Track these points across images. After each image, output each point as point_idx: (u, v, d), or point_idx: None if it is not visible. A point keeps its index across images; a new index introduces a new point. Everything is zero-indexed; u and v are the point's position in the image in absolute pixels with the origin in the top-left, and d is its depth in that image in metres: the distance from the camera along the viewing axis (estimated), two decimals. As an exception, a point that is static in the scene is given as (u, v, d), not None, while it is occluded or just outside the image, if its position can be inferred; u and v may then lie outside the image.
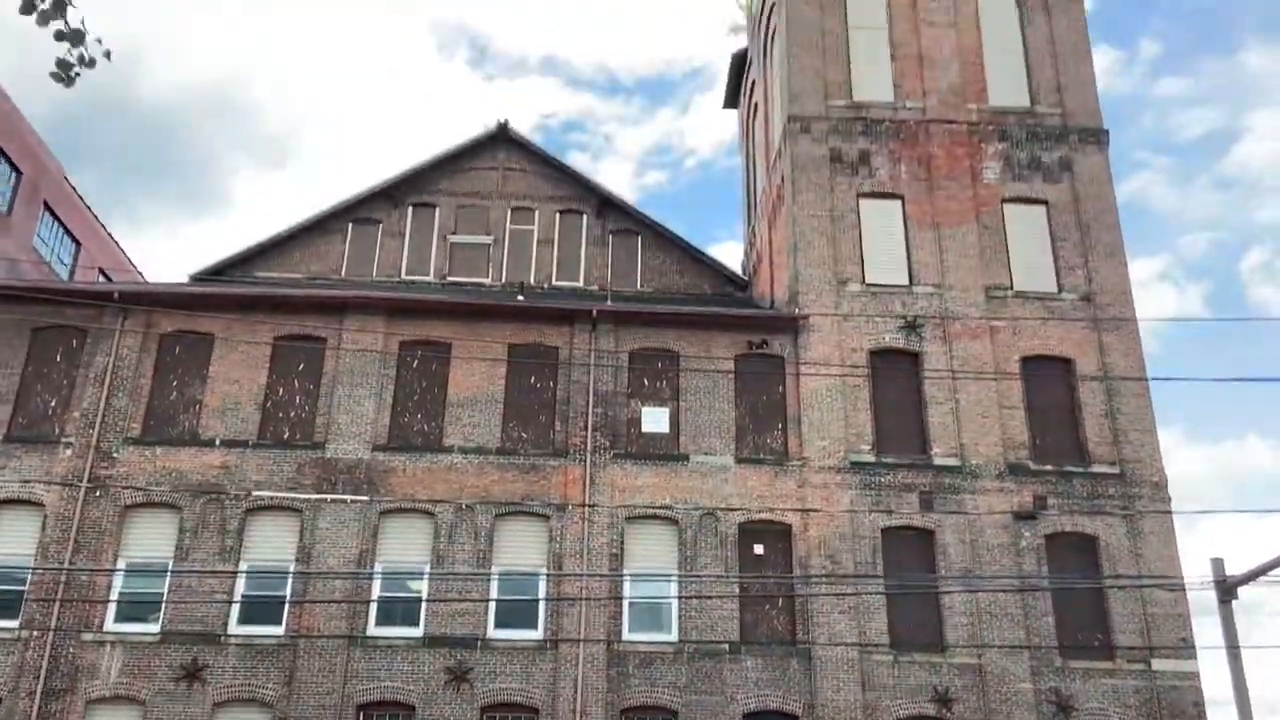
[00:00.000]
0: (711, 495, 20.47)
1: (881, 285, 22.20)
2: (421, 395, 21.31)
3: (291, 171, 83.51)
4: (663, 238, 27.80)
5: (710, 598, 19.64)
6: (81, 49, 5.29)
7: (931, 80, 23.82)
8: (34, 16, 5.03)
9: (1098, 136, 23.38)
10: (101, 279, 30.76)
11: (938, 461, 20.67)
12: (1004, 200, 22.76)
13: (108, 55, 5.31)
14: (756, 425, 21.21)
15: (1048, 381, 21.20)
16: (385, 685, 18.81)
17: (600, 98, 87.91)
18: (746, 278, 28.20)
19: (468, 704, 18.74)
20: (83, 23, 5.20)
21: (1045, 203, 22.83)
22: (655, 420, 21.31)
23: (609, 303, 22.82)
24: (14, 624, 18.77)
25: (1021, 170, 23.02)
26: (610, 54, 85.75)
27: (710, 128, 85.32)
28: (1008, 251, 22.36)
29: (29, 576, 19.16)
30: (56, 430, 20.22)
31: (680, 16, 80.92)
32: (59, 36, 5.22)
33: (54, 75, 5.27)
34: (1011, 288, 22.06)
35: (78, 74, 5.28)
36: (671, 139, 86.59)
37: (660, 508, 20.32)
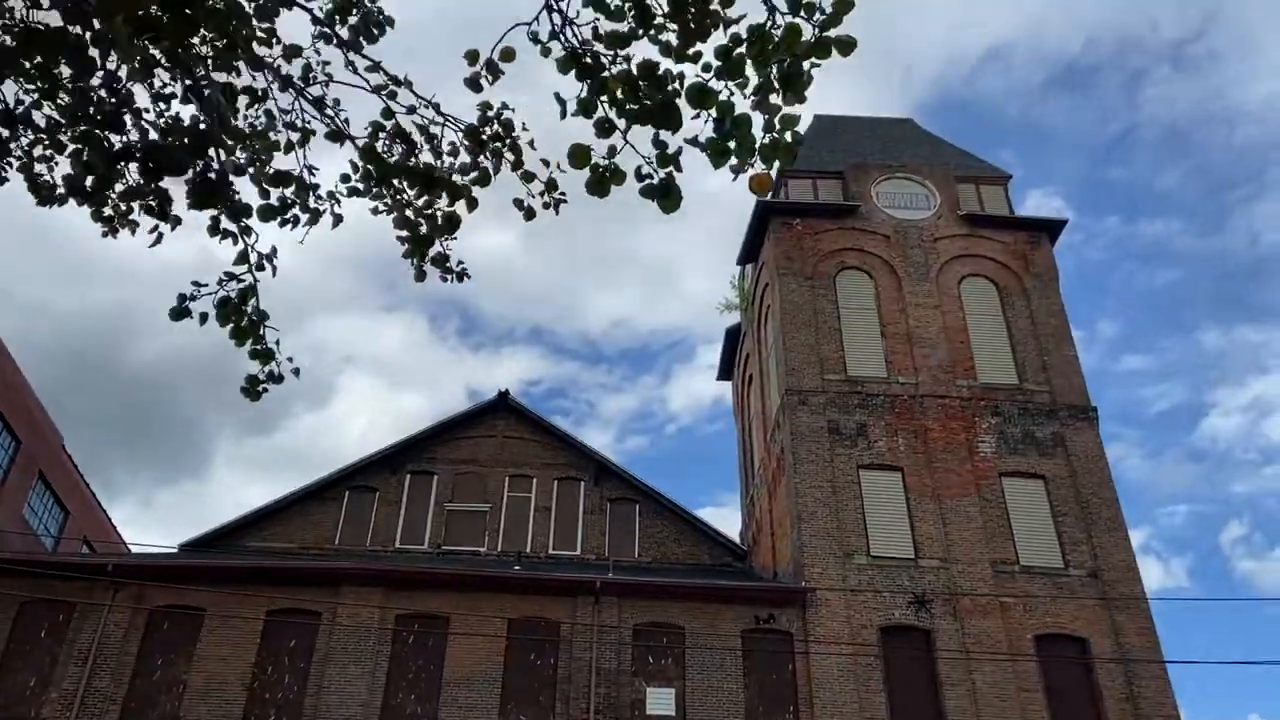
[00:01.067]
0: (721, 787, 19.24)
1: (888, 558, 22.07)
2: (416, 673, 20.45)
3: (277, 439, 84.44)
4: (660, 506, 27.84)
5: None
6: (272, 365, 5.62)
7: (922, 357, 24.92)
8: (233, 337, 5.37)
9: (1087, 413, 24.18)
10: (86, 549, 30.23)
11: (958, 749, 19.68)
12: (1001, 474, 23.14)
13: (296, 373, 5.63)
14: (766, 707, 20.31)
15: (1064, 662, 20.61)
16: None
17: (584, 366, 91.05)
18: (745, 548, 28.02)
19: None
20: (276, 344, 5.55)
21: (1043, 477, 23.21)
22: (661, 702, 20.40)
23: (611, 574, 22.48)
24: None
25: (1016, 444, 23.60)
26: (592, 325, 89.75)
27: (689, 396, 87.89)
28: (1010, 525, 22.46)
29: None
30: (32, 713, 19.13)
31: (661, 293, 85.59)
32: (253, 355, 5.56)
33: (243, 390, 5.58)
34: (1018, 562, 21.96)
35: (265, 389, 5.59)
36: (653, 405, 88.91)
37: (667, 801, 19.03)
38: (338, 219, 5.77)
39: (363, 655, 20.32)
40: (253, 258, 5.37)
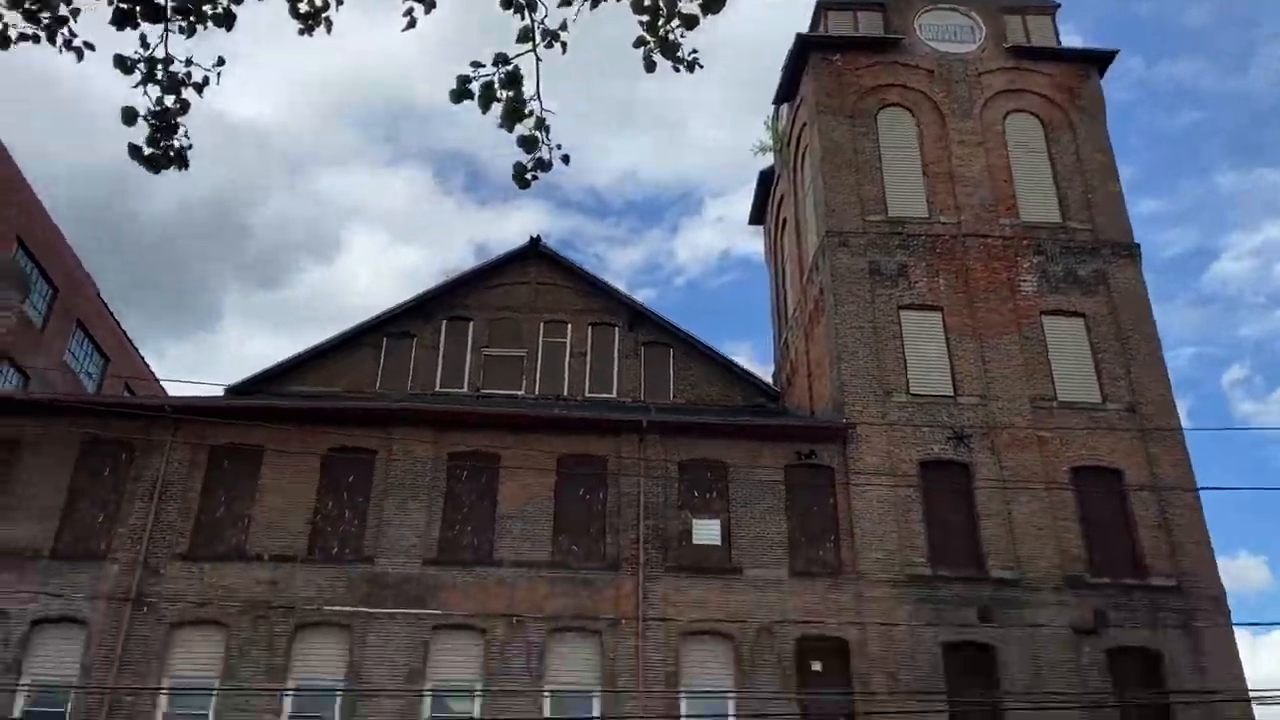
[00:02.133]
0: (767, 610, 20.19)
1: (927, 396, 22.42)
2: (471, 508, 21.18)
3: (284, 294, 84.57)
4: (695, 350, 28.06)
5: (770, 716, 19.15)
6: (540, 152, 5.51)
7: (964, 196, 24.58)
8: (501, 119, 5.32)
9: (1130, 251, 24.03)
10: (127, 394, 30.79)
11: (994, 575, 20.52)
12: (1043, 313, 23.21)
13: (565, 160, 5.57)
14: (808, 538, 21.09)
15: (1100, 493, 21.23)
16: (437, 812, 18.14)
17: (590, 219, 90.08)
18: (778, 389, 28.42)
19: (523, 832, 18.05)
20: (545, 130, 5.48)
21: (1083, 315, 23.29)
22: (707, 532, 21.17)
23: (655, 414, 22.93)
24: (52, 749, 18.16)
25: (1058, 283, 23.56)
26: (600, 178, 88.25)
27: (697, 249, 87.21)
28: (1050, 363, 22.69)
29: (70, 698, 18.64)
30: (103, 546, 19.97)
31: (670, 145, 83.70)
32: (521, 143, 5.47)
33: (514, 178, 5.59)
34: (1056, 398, 22.31)
35: (534, 178, 5.55)
36: (660, 258, 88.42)
37: (715, 623, 20.02)
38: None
39: (418, 491, 20.99)
40: (537, 36, 5.24)
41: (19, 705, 18.55)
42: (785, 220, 29.77)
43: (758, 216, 33.68)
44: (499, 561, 20.49)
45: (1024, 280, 23.54)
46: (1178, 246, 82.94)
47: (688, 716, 19.31)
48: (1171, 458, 21.55)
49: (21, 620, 19.01)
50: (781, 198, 30.40)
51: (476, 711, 19.22)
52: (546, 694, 19.28)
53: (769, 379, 29.15)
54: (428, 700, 19.26)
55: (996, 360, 22.68)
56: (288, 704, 18.96)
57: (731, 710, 19.42)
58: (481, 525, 21.01)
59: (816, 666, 19.79)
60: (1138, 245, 24.16)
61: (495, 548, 20.70)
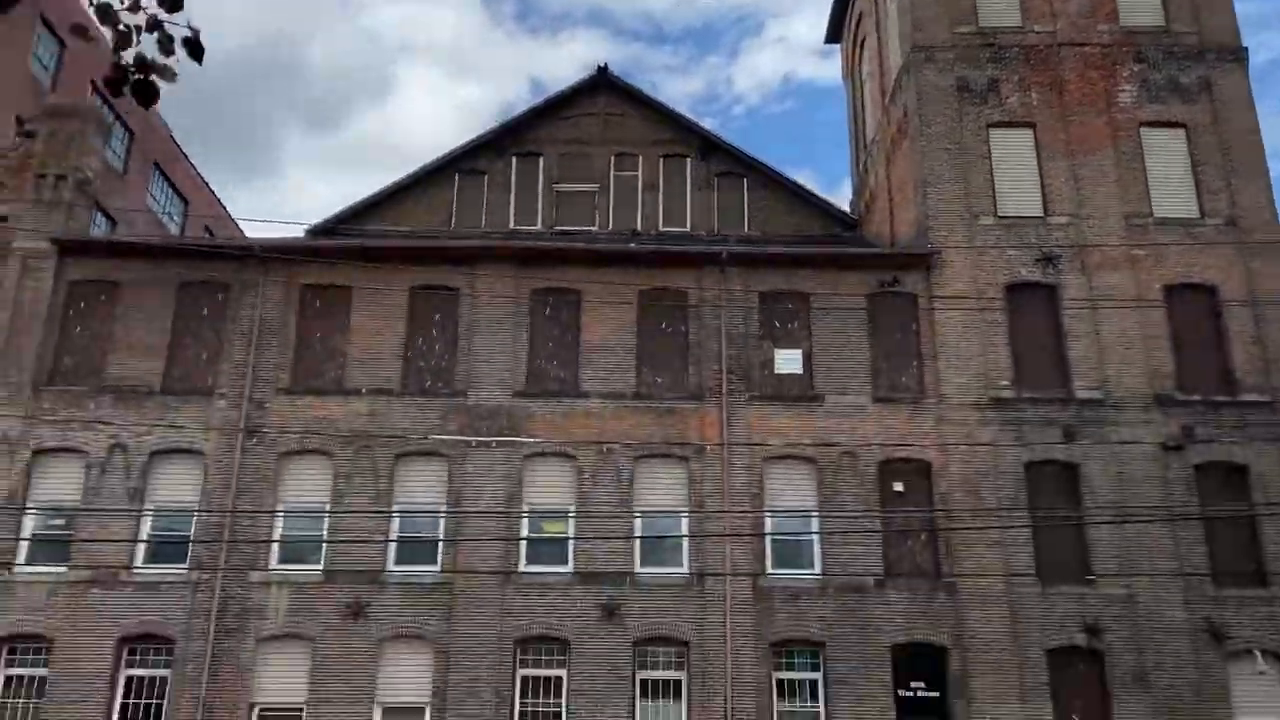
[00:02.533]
0: (849, 435, 20.54)
1: (1015, 217, 21.84)
2: (556, 342, 21.58)
3: (343, 136, 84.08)
4: (769, 180, 27.49)
5: (852, 533, 19.81)
6: None
7: (1060, 2, 23.10)
8: None
9: (1236, 54, 22.56)
10: (207, 235, 31.44)
11: (1080, 395, 20.47)
12: (1141, 124, 22.14)
13: None
14: (891, 364, 21.15)
15: (1192, 310, 20.78)
16: (540, 620, 19.39)
17: (646, 47, 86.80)
18: (856, 217, 27.89)
19: (620, 638, 19.25)
20: None
21: (1184, 125, 22.16)
22: (788, 362, 21.36)
23: (735, 245, 22.76)
24: (183, 568, 19.64)
25: (1158, 92, 22.34)
26: (654, 2, 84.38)
27: (758, 75, 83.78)
28: (1146, 177, 21.81)
29: (193, 522, 20.01)
30: (210, 382, 20.90)
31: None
32: None
33: None
34: (1151, 214, 21.56)
35: None
36: (719, 87, 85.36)
37: (798, 448, 20.47)
38: None
39: (503, 326, 21.39)
40: None
41: (145, 529, 19.99)
42: (864, 38, 28.42)
43: (833, 35, 32.17)
44: (586, 393, 21.01)
45: (1122, 91, 22.35)
46: (1274, 50, 77.44)
47: (772, 535, 20.06)
48: (1271, 271, 20.87)
49: (141, 452, 20.22)
50: (860, 15, 28.91)
51: (570, 532, 20.21)
52: (636, 515, 20.12)
53: (844, 207, 28.59)
54: (524, 522, 20.26)
55: (1089, 177, 21.86)
56: (394, 525, 20.13)
57: (814, 528, 20.10)
58: (567, 358, 21.45)
59: (898, 487, 20.25)
60: (1244, 49, 22.64)
61: (581, 380, 21.20)
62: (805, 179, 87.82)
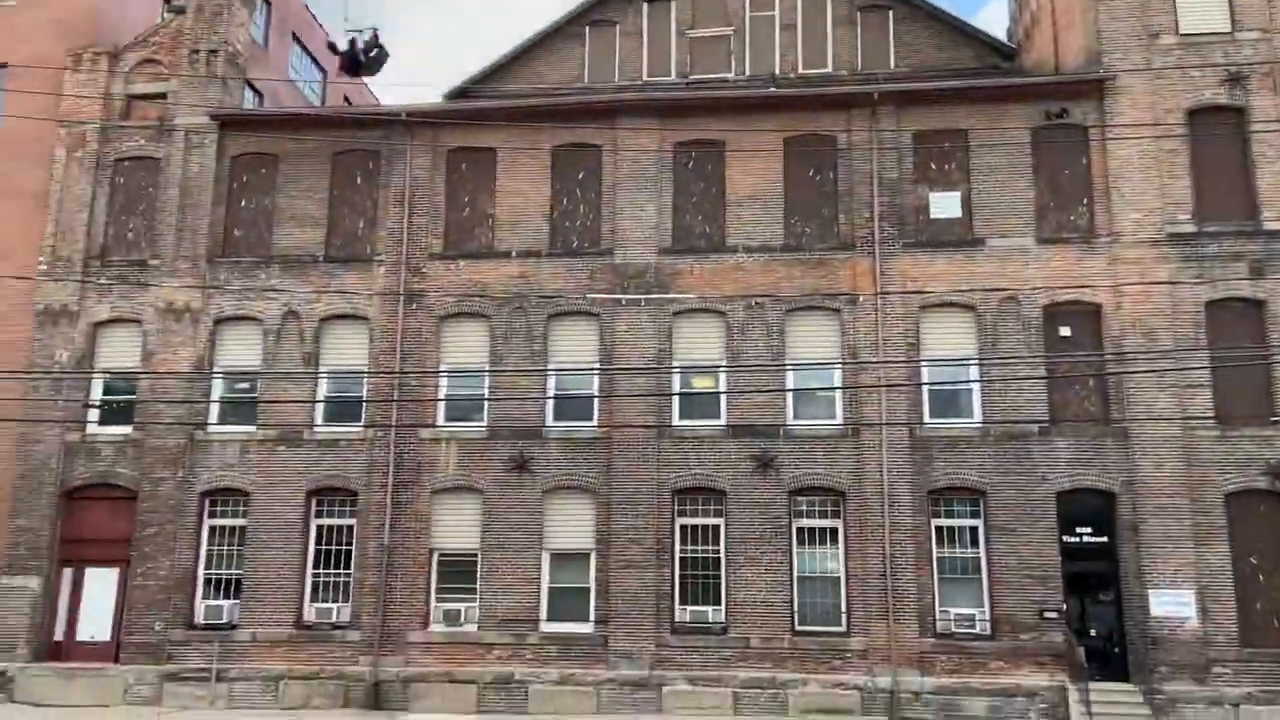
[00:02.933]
0: (1011, 279, 19.68)
1: (1199, 35, 19.89)
2: (700, 196, 21.22)
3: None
4: (917, 10, 25.63)
5: (1014, 380, 19.22)
6: None
7: None
8: None
9: None
10: (345, 104, 31.82)
11: (1269, 226, 18.95)
12: (1351, -81, 19.56)
13: None
14: (1058, 202, 19.98)
15: None
16: (696, 472, 19.78)
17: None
18: (1014, 46, 25.94)
19: (775, 488, 19.49)
20: None
21: (1406, -83, 19.46)
22: (945, 205, 20.44)
23: (885, 84, 21.58)
24: (359, 426, 20.77)
25: (1375, -120, 19.59)
26: None
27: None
28: (1360, -18, 19.40)
29: (364, 383, 21.02)
30: (368, 249, 21.55)
31: None
32: None
33: None
34: (1364, 25, 19.26)
35: None
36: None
37: (956, 294, 19.78)
38: None
39: (646, 182, 21.11)
40: None
41: (322, 390, 21.13)
42: None
43: None
44: (733, 247, 20.71)
45: (1331, -119, 19.69)
46: None
47: (929, 384, 19.68)
48: None
49: (312, 319, 21.18)
50: None
51: (722, 385, 20.32)
52: (787, 368, 20.03)
53: (999, 36, 26.59)
54: (676, 377, 20.47)
55: (1289, -15, 19.58)
56: (550, 383, 20.66)
57: (974, 376, 19.60)
58: (712, 212, 21.11)
59: (1064, 331, 19.42)
60: None
61: (728, 234, 20.87)
62: (952, 8, 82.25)
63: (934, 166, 20.60)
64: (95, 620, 20.33)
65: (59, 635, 20.30)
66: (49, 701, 19.24)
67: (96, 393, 21.21)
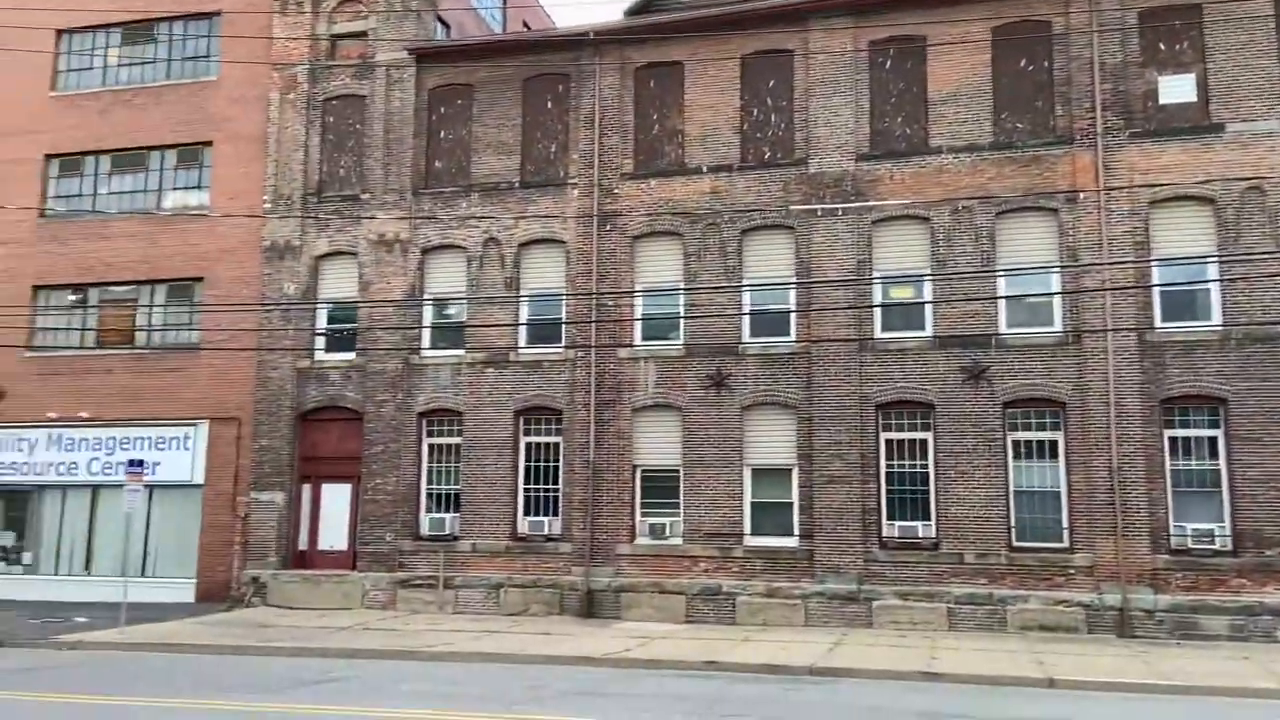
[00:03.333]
0: (1255, 166, 17.81)
1: None
2: (899, 96, 20.19)
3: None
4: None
5: (1260, 278, 17.49)
6: None
7: None
8: None
9: None
10: (524, 28, 32.02)
11: None
12: None
13: None
14: (1314, 76, 17.80)
15: None
16: (901, 385, 19.21)
17: None
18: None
19: (988, 400, 18.68)
20: None
21: None
22: (1177, 89, 18.62)
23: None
24: (560, 347, 21.32)
25: None
26: None
27: None
28: None
29: (563, 306, 21.48)
30: (561, 173, 21.82)
31: None
32: None
33: None
34: None
35: None
36: None
37: (1191, 186, 18.09)
38: None
39: (840, 86, 20.26)
40: None
41: (524, 313, 21.75)
42: None
43: None
44: (936, 149, 19.67)
45: None
46: None
47: (1161, 285, 18.22)
48: None
49: (511, 245, 21.75)
50: None
51: (927, 295, 19.52)
52: (999, 275, 18.99)
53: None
54: (878, 288, 19.82)
55: None
56: (745, 299, 20.45)
57: (1213, 276, 17.98)
58: (913, 113, 20.07)
59: (1322, 222, 17.44)
60: None
61: (930, 135, 19.82)
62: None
63: (1163, 47, 18.74)
64: (333, 531, 22.05)
65: (303, 545, 22.15)
66: (298, 604, 21.13)
67: (321, 322, 22.67)
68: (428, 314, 22.25)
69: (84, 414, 23.02)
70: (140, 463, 18.61)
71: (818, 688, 12.67)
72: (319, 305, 22.66)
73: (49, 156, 24.46)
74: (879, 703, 11.62)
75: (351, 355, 22.25)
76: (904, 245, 19.74)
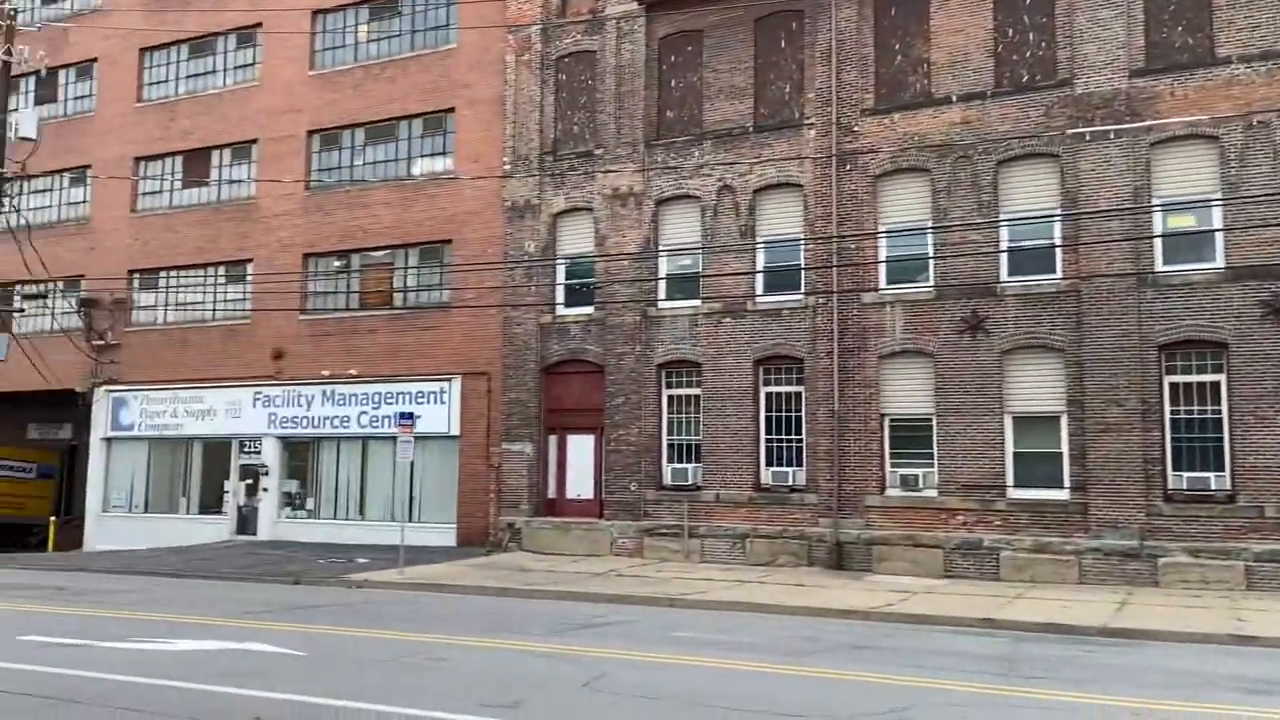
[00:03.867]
0: None
1: None
2: (1178, 3, 18.09)
3: None
4: None
5: None
6: None
7: None
8: None
9: None
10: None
11: None
12: None
13: None
14: None
15: None
16: (1187, 323, 17.40)
17: None
18: None
19: (1294, 338, 16.60)
20: None
21: None
22: None
23: None
24: (799, 295, 20.76)
25: None
26: None
27: None
28: None
29: (801, 251, 20.89)
30: (796, 114, 21.11)
31: None
32: None
33: None
34: None
35: None
36: None
37: None
38: None
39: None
40: None
41: (760, 261, 21.32)
42: None
43: None
44: (1225, 59, 17.52)
45: None
46: None
47: None
48: None
49: (745, 192, 21.33)
50: None
51: (1216, 222, 17.52)
52: (1306, 195, 16.72)
53: None
54: (1157, 217, 17.99)
55: None
56: (1003, 235, 19.11)
57: None
58: (1195, 20, 17.95)
59: None
60: None
61: (1217, 43, 17.66)
62: None
63: None
64: (579, 480, 22.69)
65: (551, 493, 22.94)
66: (550, 550, 21.95)
67: (560, 277, 23.20)
68: (663, 265, 22.27)
69: (352, 371, 24.76)
70: (411, 415, 19.76)
71: (1116, 650, 11.71)
72: (558, 261, 23.18)
73: (310, 132, 26.23)
74: (1192, 667, 10.57)
75: (590, 309, 22.64)
76: (1188, 168, 17.78)
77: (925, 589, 16.94)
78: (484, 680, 9.07)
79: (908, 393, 19.73)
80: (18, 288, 25.92)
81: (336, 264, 25.82)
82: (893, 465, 19.68)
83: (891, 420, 19.81)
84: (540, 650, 10.68)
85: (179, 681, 8.67)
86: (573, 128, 23.34)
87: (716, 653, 10.72)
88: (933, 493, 19.12)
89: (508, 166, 23.67)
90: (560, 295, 23.16)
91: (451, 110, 24.65)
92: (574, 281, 23.01)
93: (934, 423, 19.34)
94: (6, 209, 23.56)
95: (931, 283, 19.58)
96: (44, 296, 25.32)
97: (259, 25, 26.96)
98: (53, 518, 28.13)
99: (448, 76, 24.72)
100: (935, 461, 19.21)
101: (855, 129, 20.41)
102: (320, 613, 13.78)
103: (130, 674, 8.98)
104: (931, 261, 19.60)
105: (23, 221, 24.65)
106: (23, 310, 25.85)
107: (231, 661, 9.82)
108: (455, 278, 23.98)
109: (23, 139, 23.85)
